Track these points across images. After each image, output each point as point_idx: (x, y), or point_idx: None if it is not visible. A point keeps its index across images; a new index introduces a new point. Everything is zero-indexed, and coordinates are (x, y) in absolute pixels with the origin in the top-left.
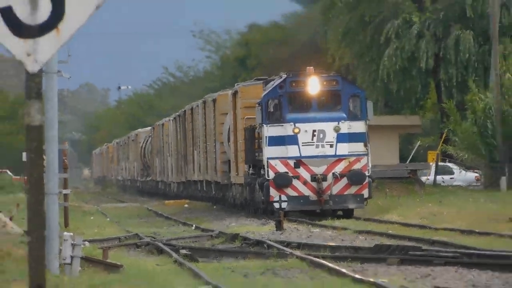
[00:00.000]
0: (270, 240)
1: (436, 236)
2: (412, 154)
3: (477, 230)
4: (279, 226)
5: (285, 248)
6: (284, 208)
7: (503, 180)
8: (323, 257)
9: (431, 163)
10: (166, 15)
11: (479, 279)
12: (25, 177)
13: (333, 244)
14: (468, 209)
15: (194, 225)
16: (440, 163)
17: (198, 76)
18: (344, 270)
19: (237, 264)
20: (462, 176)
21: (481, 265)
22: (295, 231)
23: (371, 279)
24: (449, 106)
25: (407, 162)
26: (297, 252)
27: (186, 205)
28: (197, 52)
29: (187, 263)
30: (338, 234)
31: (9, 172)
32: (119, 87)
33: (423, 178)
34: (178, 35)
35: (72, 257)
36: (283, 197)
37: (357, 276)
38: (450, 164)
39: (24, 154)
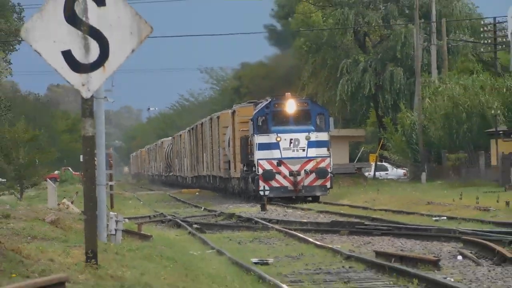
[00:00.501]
0: (257, 218)
1: (375, 214)
2: (358, 156)
3: (404, 210)
4: (263, 208)
5: (267, 223)
6: (268, 195)
7: (423, 175)
8: (295, 230)
9: (371, 163)
10: (183, 55)
11: (405, 245)
12: (82, 173)
13: (302, 220)
14: (398, 196)
15: (203, 207)
16: (378, 163)
17: (205, 100)
18: (309, 239)
19: (233, 235)
20: (394, 172)
21: (407, 235)
22: (275, 211)
23: (329, 245)
24: (387, 121)
25: (355, 162)
26: (276, 226)
27: (197, 193)
28: (203, 84)
29: (198, 234)
30: (305, 213)
31: (70, 170)
32: (149, 108)
33: (366, 174)
34: (190, 70)
35: (116, 230)
36: (267, 187)
37: (318, 243)
38: (385, 163)
39: (81, 156)
